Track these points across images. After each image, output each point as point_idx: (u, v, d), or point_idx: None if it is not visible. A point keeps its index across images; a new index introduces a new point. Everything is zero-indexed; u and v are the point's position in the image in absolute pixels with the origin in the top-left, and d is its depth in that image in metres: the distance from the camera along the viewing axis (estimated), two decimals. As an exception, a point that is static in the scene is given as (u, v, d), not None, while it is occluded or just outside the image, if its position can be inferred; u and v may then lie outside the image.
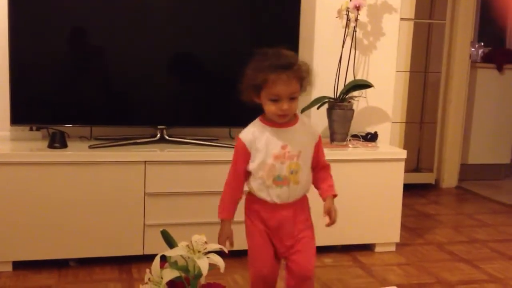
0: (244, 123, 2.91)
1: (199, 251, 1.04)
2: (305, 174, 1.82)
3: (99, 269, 2.58)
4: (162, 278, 1.00)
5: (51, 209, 2.48)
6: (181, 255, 1.04)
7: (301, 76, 1.72)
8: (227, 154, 2.68)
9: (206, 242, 1.05)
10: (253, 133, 1.82)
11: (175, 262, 1.04)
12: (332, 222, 1.83)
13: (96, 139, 2.80)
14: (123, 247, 2.61)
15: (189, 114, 2.86)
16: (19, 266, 2.52)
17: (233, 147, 2.74)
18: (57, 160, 2.48)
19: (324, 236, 2.82)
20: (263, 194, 1.81)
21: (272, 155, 1.77)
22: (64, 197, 2.50)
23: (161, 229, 1.05)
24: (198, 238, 1.04)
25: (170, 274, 1.00)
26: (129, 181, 2.57)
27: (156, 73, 2.77)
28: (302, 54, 2.93)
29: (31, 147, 2.59)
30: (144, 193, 2.59)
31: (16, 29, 2.56)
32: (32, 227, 2.48)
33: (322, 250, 2.85)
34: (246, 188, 1.90)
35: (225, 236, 1.84)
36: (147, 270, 1.04)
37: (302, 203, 1.87)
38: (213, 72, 2.86)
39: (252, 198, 1.86)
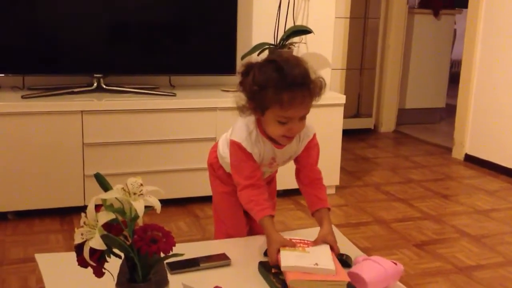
0: (184, 71, 2.91)
1: (134, 193, 1.04)
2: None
3: (39, 221, 2.54)
4: (97, 221, 1.00)
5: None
6: (117, 198, 1.03)
7: (316, 94, 1.45)
8: (168, 102, 2.67)
9: (142, 185, 1.04)
10: (251, 141, 1.54)
11: (111, 205, 1.04)
12: (335, 251, 1.44)
13: (30, 89, 2.69)
14: (63, 199, 2.57)
15: (127, 62, 2.79)
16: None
17: (173, 95, 2.74)
18: (-13, 111, 2.39)
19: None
20: None
21: (262, 165, 1.61)
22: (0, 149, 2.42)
23: (94, 173, 1.04)
24: (133, 181, 1.04)
25: (105, 216, 1.00)
26: (66, 131, 2.50)
27: (91, 18, 2.66)
28: (242, 1, 2.89)
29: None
30: (83, 143, 2.54)
31: None
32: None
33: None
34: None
35: (278, 243, 1.42)
36: (82, 214, 1.03)
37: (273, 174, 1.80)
38: (152, 18, 2.78)
39: (219, 165, 1.73)
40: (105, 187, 1.06)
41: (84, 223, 1.02)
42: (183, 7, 2.82)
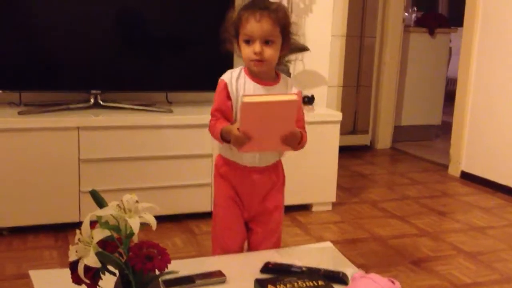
0: (181, 88, 2.93)
1: (130, 210, 1.03)
2: None
3: (33, 237, 2.52)
4: (92, 238, 1.00)
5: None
6: (112, 215, 1.03)
7: (277, 18, 1.58)
8: (165, 119, 2.68)
9: (137, 201, 1.04)
10: (231, 75, 1.67)
11: (106, 222, 1.04)
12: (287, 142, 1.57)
13: (26, 105, 2.69)
14: (58, 215, 2.56)
15: (124, 78, 2.80)
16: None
17: (170, 112, 2.74)
18: (-16, 127, 2.39)
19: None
20: (234, 156, 1.67)
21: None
22: (-6, 165, 2.41)
23: (90, 189, 1.04)
24: (129, 198, 1.04)
25: (100, 233, 0.99)
26: (62, 147, 2.50)
27: (89, 34, 2.68)
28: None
29: None
30: (79, 159, 2.53)
31: None
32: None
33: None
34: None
35: (236, 136, 1.53)
36: (77, 231, 1.02)
37: (275, 169, 1.75)
38: (149, 35, 2.80)
39: (222, 160, 1.73)
40: (101, 204, 1.06)
41: (79, 240, 1.02)
42: (181, 24, 2.84)
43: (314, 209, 3.07)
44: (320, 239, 2.69)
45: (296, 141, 1.59)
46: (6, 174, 2.44)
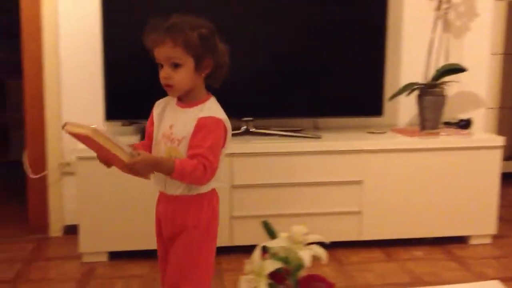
0: (329, 113, 2.90)
1: (299, 242, 1.01)
2: None
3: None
4: (263, 269, 0.98)
5: (142, 202, 2.53)
6: (280, 247, 1.01)
7: (177, 38, 1.46)
8: (313, 145, 2.67)
9: (307, 233, 1.02)
10: (164, 101, 1.62)
11: (276, 253, 1.02)
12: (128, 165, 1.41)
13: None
14: (211, 239, 2.63)
15: (274, 106, 2.83)
16: (115, 256, 2.62)
17: (318, 137, 2.72)
18: (147, 154, 2.55)
19: (414, 228, 2.74)
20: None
21: (162, 132, 1.56)
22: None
23: (262, 220, 1.03)
24: (298, 229, 1.02)
25: (272, 265, 0.98)
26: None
27: (241, 65, 2.75)
28: (390, 39, 2.82)
29: (124, 141, 2.65)
30: (231, 185, 2.60)
31: (108, 27, 2.62)
32: (126, 220, 2.56)
33: (412, 242, 2.76)
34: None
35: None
36: (247, 261, 1.02)
37: (187, 204, 1.54)
38: (298, 61, 2.82)
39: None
40: (272, 234, 1.05)
41: (250, 270, 1.01)
42: (329, 49, 2.82)
43: (472, 242, 2.83)
44: (480, 275, 2.46)
45: (148, 169, 1.45)
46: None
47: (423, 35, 2.92)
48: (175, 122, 1.53)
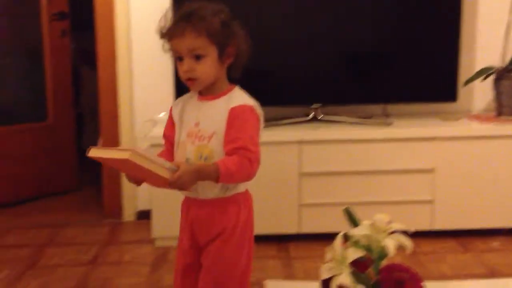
0: (400, 99, 2.82)
1: (383, 231, 0.99)
2: None
3: (257, 246, 2.61)
4: (346, 257, 0.97)
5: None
6: (363, 235, 1.00)
7: (201, 26, 1.35)
8: (383, 132, 2.61)
9: (390, 222, 1.00)
10: (187, 95, 1.51)
11: (358, 242, 1.01)
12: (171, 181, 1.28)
13: (251, 120, 2.84)
14: (279, 226, 2.64)
15: (343, 92, 2.79)
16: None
17: (389, 124, 2.66)
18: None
19: (489, 218, 2.64)
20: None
21: (186, 131, 1.44)
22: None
23: (344, 207, 1.02)
24: (381, 217, 1.00)
25: (354, 253, 0.97)
26: (284, 161, 2.59)
27: (309, 51, 2.74)
28: (465, 21, 2.71)
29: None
30: (299, 172, 2.59)
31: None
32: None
33: (488, 233, 2.66)
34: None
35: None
36: (328, 249, 1.01)
37: (224, 207, 1.43)
38: (367, 46, 2.76)
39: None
40: (354, 222, 1.04)
41: (331, 258, 1.00)
42: (401, 33, 2.75)
43: (552, 233, 2.70)
44: None
45: (192, 181, 1.31)
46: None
47: (500, 17, 2.79)
48: (201, 118, 1.42)
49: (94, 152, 1.26)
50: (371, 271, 1.01)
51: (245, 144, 1.34)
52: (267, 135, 2.56)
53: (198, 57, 1.36)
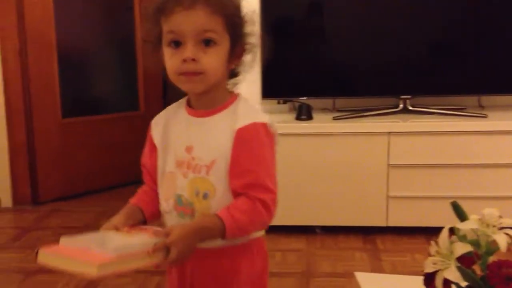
0: (496, 91, 2.70)
1: (492, 226, 0.96)
2: (225, 199, 1.04)
3: (343, 237, 2.63)
4: (452, 252, 0.95)
5: (299, 178, 2.59)
6: (471, 229, 0.97)
7: (218, 4, 1.00)
8: (477, 124, 2.51)
9: (500, 217, 0.96)
10: (169, 110, 1.14)
11: (464, 236, 0.98)
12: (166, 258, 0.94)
13: (339, 110, 2.83)
14: (366, 218, 2.62)
15: (433, 83, 2.71)
16: (271, 230, 2.70)
17: (484, 116, 2.55)
18: (304, 132, 2.59)
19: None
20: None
21: (174, 159, 1.08)
22: (311, 167, 2.59)
23: (451, 201, 1.00)
24: (490, 212, 0.97)
25: (461, 248, 0.94)
26: (372, 152, 2.55)
27: (399, 43, 2.68)
28: None
29: (280, 119, 2.72)
30: (388, 164, 2.55)
31: (266, 4, 2.68)
32: (281, 195, 2.63)
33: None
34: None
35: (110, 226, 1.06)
36: (432, 243, 0.99)
37: (234, 257, 1.09)
38: (460, 35, 2.67)
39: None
40: (461, 216, 1.01)
41: (436, 251, 0.98)
42: (494, 22, 2.62)
43: None
44: None
45: (192, 247, 0.97)
46: (320, 175, 2.59)
47: None
48: (194, 141, 1.06)
49: (44, 258, 0.95)
50: (477, 266, 0.98)
51: (259, 180, 1.02)
52: (356, 126, 2.56)
53: (207, 43, 1.00)
